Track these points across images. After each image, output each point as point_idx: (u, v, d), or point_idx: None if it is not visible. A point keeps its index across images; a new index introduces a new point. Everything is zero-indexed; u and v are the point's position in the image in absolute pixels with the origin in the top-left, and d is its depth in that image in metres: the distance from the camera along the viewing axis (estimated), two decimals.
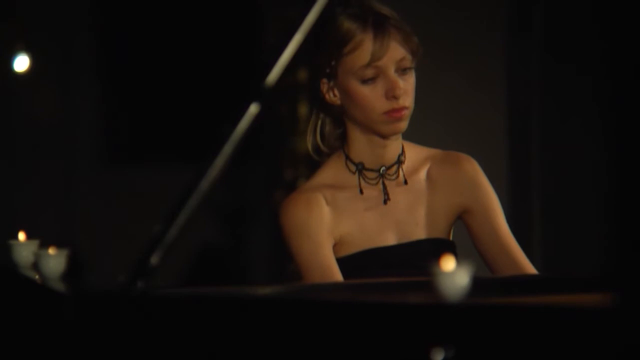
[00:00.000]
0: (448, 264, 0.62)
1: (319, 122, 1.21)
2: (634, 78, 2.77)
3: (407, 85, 1.13)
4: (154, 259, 0.88)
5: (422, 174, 1.21)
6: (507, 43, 2.89)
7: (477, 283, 0.67)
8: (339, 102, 1.15)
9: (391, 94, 1.11)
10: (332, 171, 1.20)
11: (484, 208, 1.19)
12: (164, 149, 4.35)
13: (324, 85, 1.15)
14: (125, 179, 4.70)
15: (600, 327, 0.64)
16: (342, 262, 1.15)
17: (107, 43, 4.31)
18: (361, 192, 1.16)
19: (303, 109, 3.45)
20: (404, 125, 1.14)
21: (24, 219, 3.70)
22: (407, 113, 1.13)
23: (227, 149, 0.89)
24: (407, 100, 1.13)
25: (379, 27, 1.11)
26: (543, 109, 2.89)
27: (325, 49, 1.13)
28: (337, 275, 1.15)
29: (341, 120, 1.18)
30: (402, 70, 1.13)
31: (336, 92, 1.15)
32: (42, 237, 1.01)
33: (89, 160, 4.22)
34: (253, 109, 0.88)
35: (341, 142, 1.20)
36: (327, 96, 1.16)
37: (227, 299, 0.94)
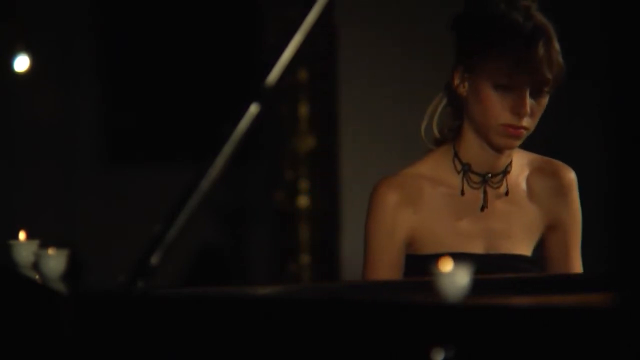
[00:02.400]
0: (447, 264, 0.62)
1: (440, 107, 1.17)
2: (635, 78, 2.77)
3: (536, 108, 1.09)
4: (154, 259, 0.88)
5: (523, 183, 1.17)
6: None
7: (477, 283, 0.67)
8: (465, 94, 1.12)
9: (516, 111, 1.08)
10: (436, 164, 1.16)
11: (567, 227, 1.17)
12: (164, 149, 4.35)
13: (458, 73, 1.12)
14: (125, 179, 4.70)
15: (601, 327, 0.64)
16: (425, 259, 1.12)
17: (107, 43, 4.31)
18: (462, 193, 1.14)
19: (303, 109, 3.45)
20: (517, 143, 1.11)
21: (24, 219, 3.70)
22: (524, 133, 1.10)
23: (227, 149, 0.89)
24: (530, 122, 1.09)
25: (535, 41, 1.07)
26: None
27: (475, 40, 1.09)
28: (397, 272, 1.13)
29: (460, 113, 1.15)
30: (537, 91, 1.09)
31: (466, 84, 1.12)
32: (42, 237, 1.01)
33: (89, 160, 4.22)
34: (253, 109, 0.88)
35: (453, 137, 1.17)
36: (456, 84, 1.12)
37: (227, 299, 0.94)
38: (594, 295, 0.86)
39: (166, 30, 4.13)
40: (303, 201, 3.74)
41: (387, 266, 1.15)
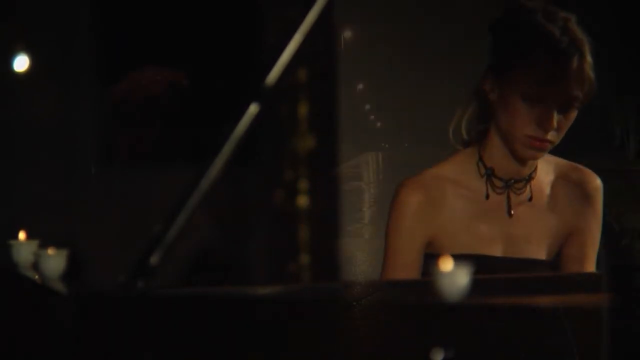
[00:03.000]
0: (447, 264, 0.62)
1: (470, 110, 1.17)
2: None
3: (563, 123, 1.09)
4: (154, 259, 0.88)
5: (547, 189, 1.18)
6: None
7: (478, 283, 0.67)
8: (495, 100, 1.12)
9: (543, 125, 1.08)
10: (460, 167, 1.17)
11: (587, 235, 1.17)
12: (163, 149, 4.34)
13: (489, 79, 1.12)
14: (125, 179, 4.69)
15: (599, 326, 0.64)
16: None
17: (107, 43, 4.31)
18: (487, 197, 1.14)
19: (303, 109, 3.45)
20: (540, 155, 1.12)
21: (24, 219, 3.69)
22: (549, 146, 1.10)
23: (227, 149, 0.89)
24: (556, 136, 1.10)
25: (568, 57, 1.07)
26: None
27: (509, 48, 1.09)
28: (415, 272, 1.14)
29: (488, 117, 1.15)
30: (567, 106, 1.09)
31: (497, 91, 1.11)
32: (42, 237, 1.01)
33: (89, 160, 4.21)
34: (253, 109, 0.88)
35: (478, 140, 1.17)
36: (487, 90, 1.12)
37: (227, 298, 0.94)
38: (594, 295, 0.86)
39: (166, 30, 4.12)
40: (303, 201, 3.74)
41: (406, 266, 1.16)
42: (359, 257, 2.61)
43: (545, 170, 1.19)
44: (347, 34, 3.27)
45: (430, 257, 1.14)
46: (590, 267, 1.17)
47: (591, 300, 0.82)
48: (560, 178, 1.19)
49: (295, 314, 0.83)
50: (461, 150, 1.18)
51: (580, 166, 1.20)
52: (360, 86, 3.37)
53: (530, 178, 1.15)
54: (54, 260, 0.91)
